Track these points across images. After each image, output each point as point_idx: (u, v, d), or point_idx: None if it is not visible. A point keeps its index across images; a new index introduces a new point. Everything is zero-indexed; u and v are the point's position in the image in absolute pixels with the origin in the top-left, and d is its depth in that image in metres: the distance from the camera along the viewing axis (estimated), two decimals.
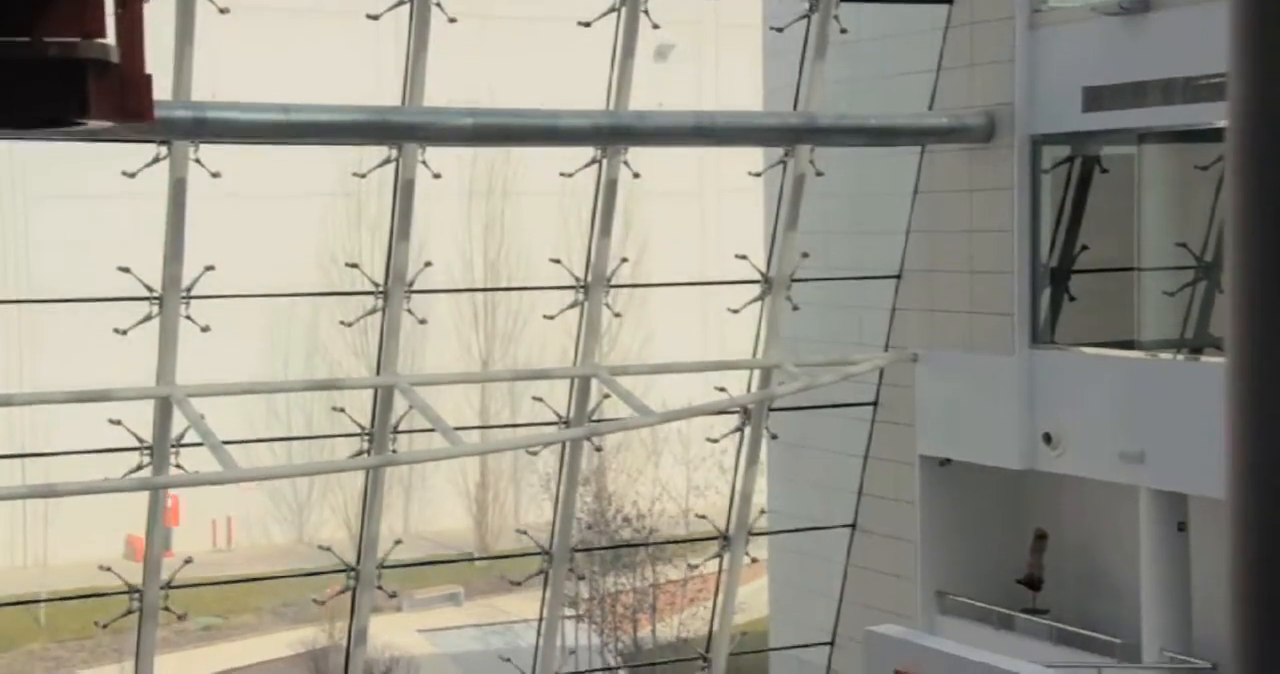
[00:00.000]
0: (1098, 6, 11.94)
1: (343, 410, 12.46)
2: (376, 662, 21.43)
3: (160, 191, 11.22)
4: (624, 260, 13.02)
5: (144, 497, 11.93)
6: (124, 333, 11.37)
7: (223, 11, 10.53)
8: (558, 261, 12.74)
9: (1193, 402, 11.12)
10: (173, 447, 11.54)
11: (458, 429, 11.69)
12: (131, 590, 11.90)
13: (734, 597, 13.93)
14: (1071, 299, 13.07)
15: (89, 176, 23.25)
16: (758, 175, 13.67)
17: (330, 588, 22.78)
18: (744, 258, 13.31)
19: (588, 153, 12.35)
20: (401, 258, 12.05)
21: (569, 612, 22.44)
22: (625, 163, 12.37)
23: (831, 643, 14.63)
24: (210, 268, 11.58)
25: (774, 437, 14.00)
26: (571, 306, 12.77)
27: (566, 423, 12.73)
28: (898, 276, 13.88)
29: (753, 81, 16.14)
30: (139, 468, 11.43)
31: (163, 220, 11.32)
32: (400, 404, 12.32)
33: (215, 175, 11.07)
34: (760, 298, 13.40)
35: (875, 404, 14.18)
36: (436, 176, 11.74)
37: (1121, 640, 12.00)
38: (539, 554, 13.24)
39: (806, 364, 13.35)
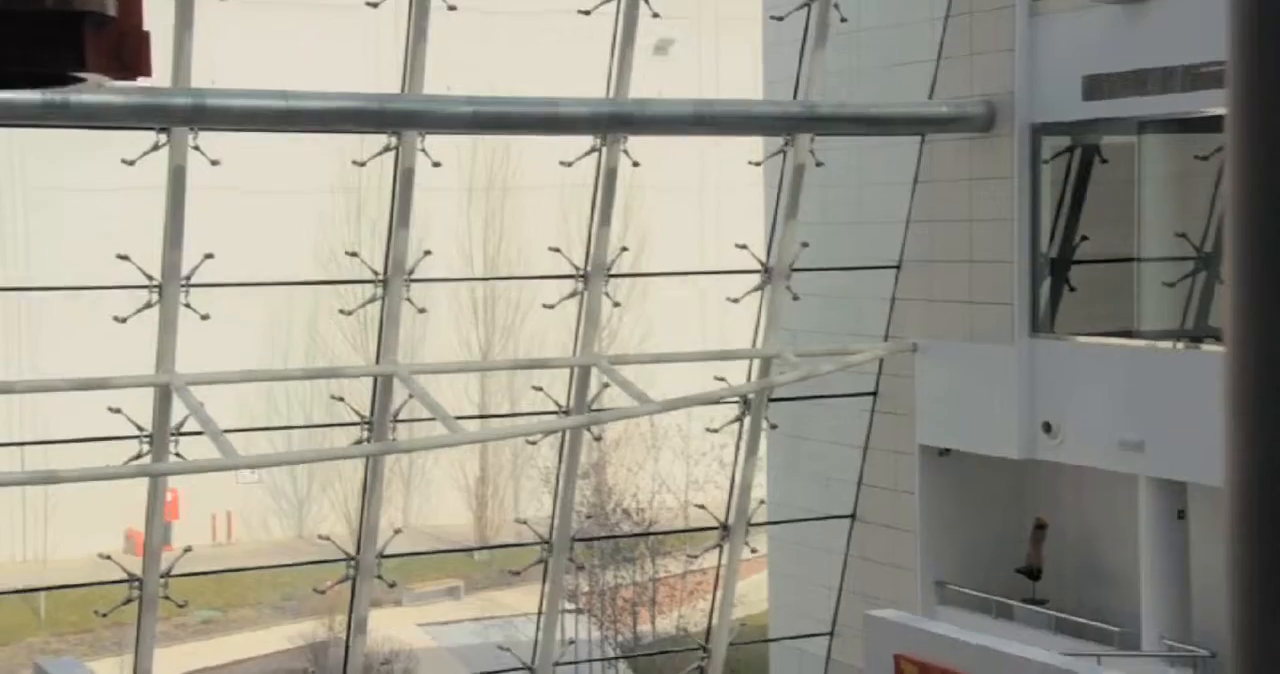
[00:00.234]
0: None
1: (342, 399, 12.46)
2: (376, 655, 21.41)
3: (159, 184, 11.22)
4: (624, 249, 13.00)
5: (143, 491, 11.94)
6: (123, 321, 11.38)
7: None
8: (557, 250, 12.73)
9: (1192, 390, 11.11)
10: (172, 435, 11.54)
11: (457, 419, 11.69)
12: (131, 579, 11.91)
13: (734, 587, 13.93)
14: (1071, 289, 13.06)
15: (88, 167, 23.28)
16: (758, 164, 13.66)
17: (331, 579, 22.78)
18: (744, 247, 13.31)
19: (588, 144, 12.36)
20: (401, 246, 12.05)
21: (569, 605, 22.41)
22: (625, 151, 12.37)
23: (831, 633, 14.63)
24: (209, 256, 11.58)
25: (774, 427, 13.99)
26: (571, 296, 12.77)
27: (566, 412, 12.73)
28: (897, 267, 13.88)
29: (753, 76, 16.13)
30: (139, 456, 11.43)
31: (161, 210, 11.32)
32: (400, 396, 12.31)
33: (214, 163, 11.07)
34: (760, 287, 13.40)
35: (875, 394, 14.18)
36: (436, 165, 11.74)
37: (1121, 629, 11.99)
38: (539, 544, 13.23)
39: (806, 354, 13.34)
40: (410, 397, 12.08)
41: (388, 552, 12.67)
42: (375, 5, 11.20)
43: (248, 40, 25.91)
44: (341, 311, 12.52)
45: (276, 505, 32.74)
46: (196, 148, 11.06)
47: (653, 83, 15.31)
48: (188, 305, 11.49)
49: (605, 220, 12.58)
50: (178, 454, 11.58)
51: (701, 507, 14.56)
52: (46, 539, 29.74)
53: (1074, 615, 12.58)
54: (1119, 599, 12.39)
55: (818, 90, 12.96)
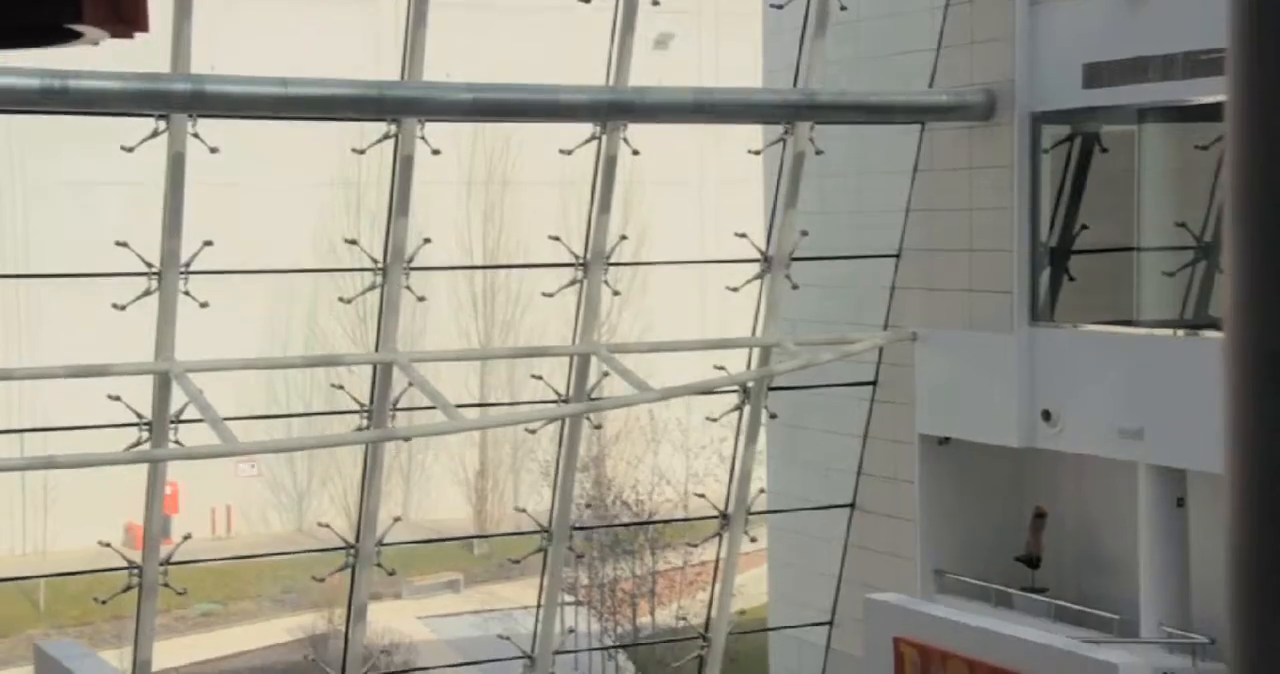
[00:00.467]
0: None
1: (341, 387, 12.45)
2: (375, 646, 21.42)
3: (159, 178, 11.22)
4: (623, 238, 13.00)
5: (143, 484, 11.94)
6: (122, 308, 11.36)
7: None
8: (556, 238, 12.73)
9: (1191, 378, 11.11)
10: (171, 422, 11.53)
11: (457, 407, 11.68)
12: (131, 566, 11.91)
13: (733, 576, 13.93)
14: (1071, 279, 13.06)
15: (88, 156, 23.27)
16: (757, 153, 13.65)
17: (330, 569, 22.75)
18: (743, 236, 13.31)
19: (588, 133, 12.35)
20: (400, 234, 12.05)
21: (568, 598, 22.43)
22: (624, 140, 12.36)
23: (831, 622, 14.63)
24: (209, 243, 11.58)
25: (773, 416, 13.99)
26: (571, 284, 12.77)
27: (566, 401, 12.73)
28: (897, 256, 13.87)
29: (753, 70, 16.12)
30: (138, 443, 11.43)
31: (160, 200, 11.32)
32: (399, 385, 12.30)
33: (214, 150, 11.06)
34: (760, 276, 13.40)
35: (874, 384, 14.18)
36: (436, 152, 11.73)
37: (1120, 616, 11.99)
38: (538, 532, 13.23)
39: (806, 342, 13.34)
40: (410, 385, 12.07)
41: (387, 540, 12.67)
42: None
43: (247, 27, 25.89)
44: (341, 299, 12.49)
45: (276, 499, 32.76)
46: (195, 135, 11.05)
47: (652, 77, 15.32)
48: (187, 293, 11.48)
49: (605, 208, 12.57)
50: (177, 442, 11.58)
51: (701, 496, 14.56)
52: (46, 533, 29.76)
53: (1073, 603, 12.58)
54: (1118, 587, 12.39)
55: (817, 79, 12.95)
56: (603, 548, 24.79)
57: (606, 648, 22.72)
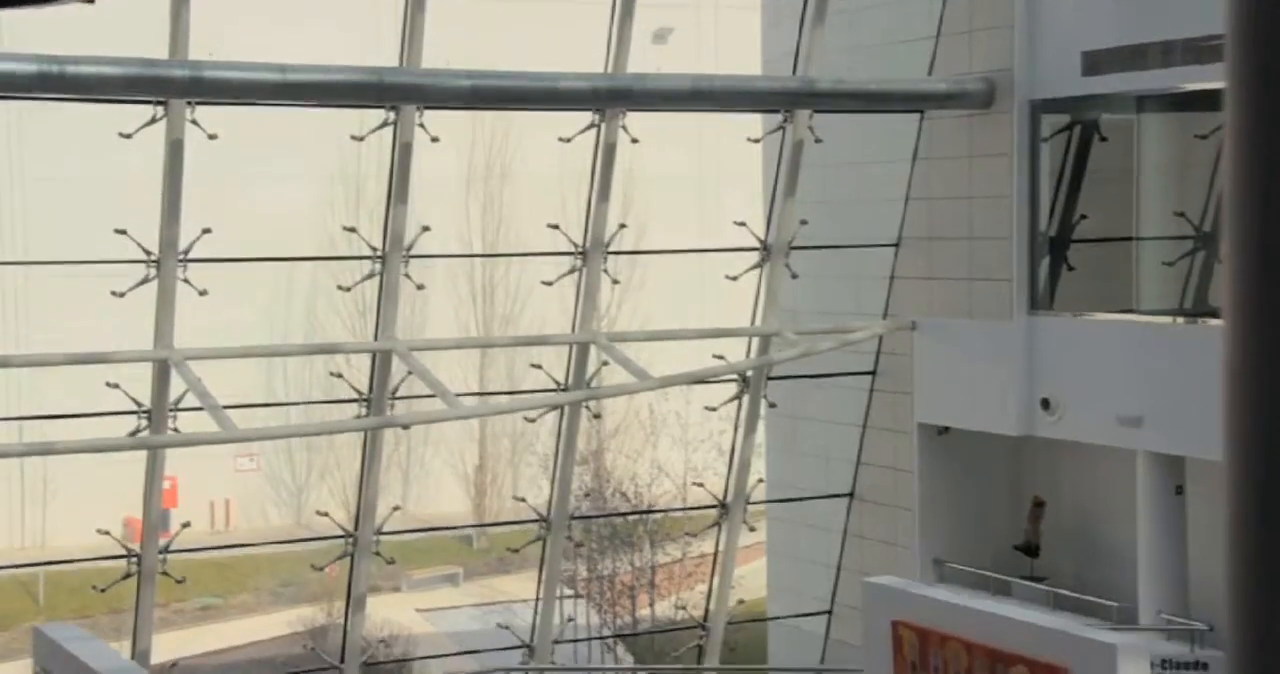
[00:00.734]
0: None
1: (340, 375, 12.45)
2: (374, 637, 21.43)
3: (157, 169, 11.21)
4: (622, 226, 12.99)
5: (140, 481, 11.94)
6: (121, 295, 11.37)
7: None
8: (555, 226, 12.73)
9: (1191, 365, 11.11)
10: (170, 410, 11.54)
11: (456, 395, 11.67)
12: (130, 554, 11.91)
13: (732, 565, 13.93)
14: (1070, 269, 13.05)
15: (86, 146, 23.24)
16: (756, 141, 13.65)
17: (331, 567, 22.78)
18: (742, 225, 13.31)
19: (587, 122, 12.36)
20: (399, 221, 12.05)
21: (568, 591, 22.44)
22: (623, 127, 12.36)
23: (830, 612, 14.63)
24: (207, 230, 11.58)
25: (772, 405, 13.99)
26: (570, 272, 12.77)
27: (565, 390, 12.73)
28: (896, 245, 13.87)
29: (752, 63, 16.11)
30: (137, 431, 11.43)
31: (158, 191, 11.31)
32: (398, 374, 12.30)
33: (212, 136, 11.07)
34: (759, 265, 13.40)
35: (874, 373, 14.17)
36: (435, 140, 11.73)
37: (1119, 604, 11.99)
38: (537, 521, 13.24)
39: (805, 332, 13.34)
40: (409, 373, 12.07)
41: (386, 529, 12.68)
42: None
43: (246, 14, 25.86)
44: (340, 287, 12.49)
45: (275, 494, 32.76)
46: (194, 121, 11.06)
47: (651, 70, 15.31)
48: (185, 280, 11.48)
49: (604, 196, 12.57)
50: (175, 429, 11.58)
51: (700, 485, 14.56)
52: (44, 527, 29.75)
53: (1072, 592, 12.58)
54: (1117, 575, 12.39)
55: (817, 67, 12.95)
56: (601, 540, 24.80)
57: (605, 637, 22.73)
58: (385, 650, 16.94)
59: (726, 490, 13.83)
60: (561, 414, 13.12)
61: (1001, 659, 7.65)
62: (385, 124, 11.71)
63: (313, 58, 11.08)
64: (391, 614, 24.26)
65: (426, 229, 12.32)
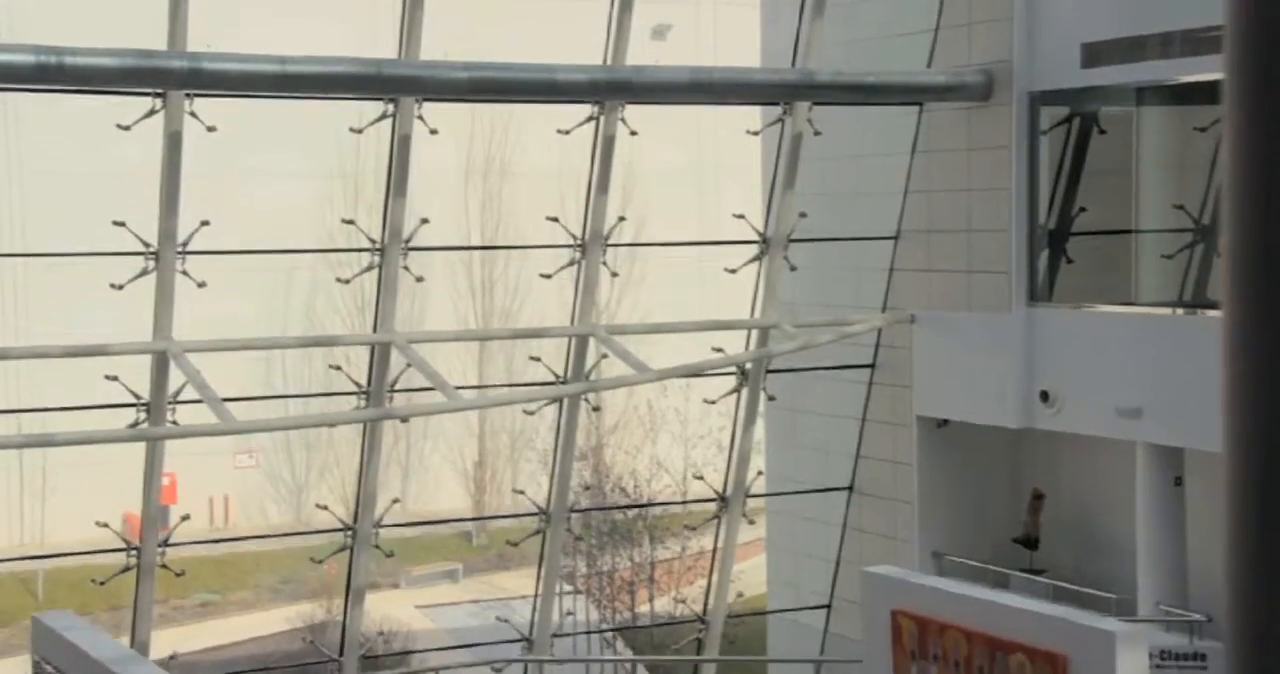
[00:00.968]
0: None
1: (339, 368, 12.45)
2: (373, 632, 21.44)
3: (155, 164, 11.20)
4: (621, 219, 12.98)
5: (139, 477, 11.94)
6: (120, 287, 11.37)
7: None
8: (554, 219, 12.72)
9: (1190, 356, 11.11)
10: (169, 403, 11.53)
11: (455, 388, 11.67)
12: (129, 547, 11.91)
13: (731, 558, 13.93)
14: (1069, 262, 13.05)
15: (85, 137, 23.21)
16: (755, 134, 13.65)
17: (330, 564, 22.77)
18: (741, 217, 13.30)
19: (586, 116, 12.36)
20: (398, 214, 12.04)
21: (567, 587, 22.44)
22: (622, 120, 12.36)
23: (829, 606, 14.63)
24: (205, 223, 11.58)
25: (771, 398, 13.99)
26: (569, 265, 12.76)
27: (565, 383, 12.72)
28: (895, 237, 13.87)
29: (751, 59, 16.10)
30: (136, 424, 11.42)
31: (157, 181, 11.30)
32: (397, 367, 12.30)
33: (211, 129, 11.07)
34: (758, 257, 13.40)
35: (873, 366, 14.17)
36: (434, 132, 11.73)
37: (1118, 596, 11.99)
38: (536, 514, 13.24)
39: (804, 324, 13.34)
40: (408, 366, 12.07)
41: (385, 523, 12.68)
42: None
43: (245, 5, 25.86)
44: (339, 279, 12.49)
45: (274, 491, 32.76)
46: (193, 114, 11.05)
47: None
48: (184, 273, 11.48)
49: (603, 188, 12.57)
50: (174, 423, 11.57)
51: (700, 477, 14.56)
52: (44, 524, 29.75)
53: (1071, 584, 12.58)
54: (1116, 567, 12.39)
55: (815, 60, 12.94)
56: (600, 536, 24.81)
57: (604, 631, 22.74)
58: (385, 644, 16.94)
59: (726, 484, 13.83)
60: (561, 407, 13.11)
61: (1000, 647, 7.65)
62: (384, 116, 11.71)
63: (312, 50, 11.05)
64: (391, 610, 24.27)
65: (425, 221, 12.32)
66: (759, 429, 14.29)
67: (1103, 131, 12.84)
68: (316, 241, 23.27)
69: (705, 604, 14.27)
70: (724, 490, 13.79)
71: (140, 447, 11.91)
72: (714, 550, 14.12)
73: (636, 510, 25.09)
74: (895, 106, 13.47)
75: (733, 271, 13.44)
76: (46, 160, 28.79)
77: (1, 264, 28.39)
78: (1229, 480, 1.47)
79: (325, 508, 12.75)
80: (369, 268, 12.14)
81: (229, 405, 10.78)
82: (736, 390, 13.55)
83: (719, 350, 13.10)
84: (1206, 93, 11.54)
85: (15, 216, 29.01)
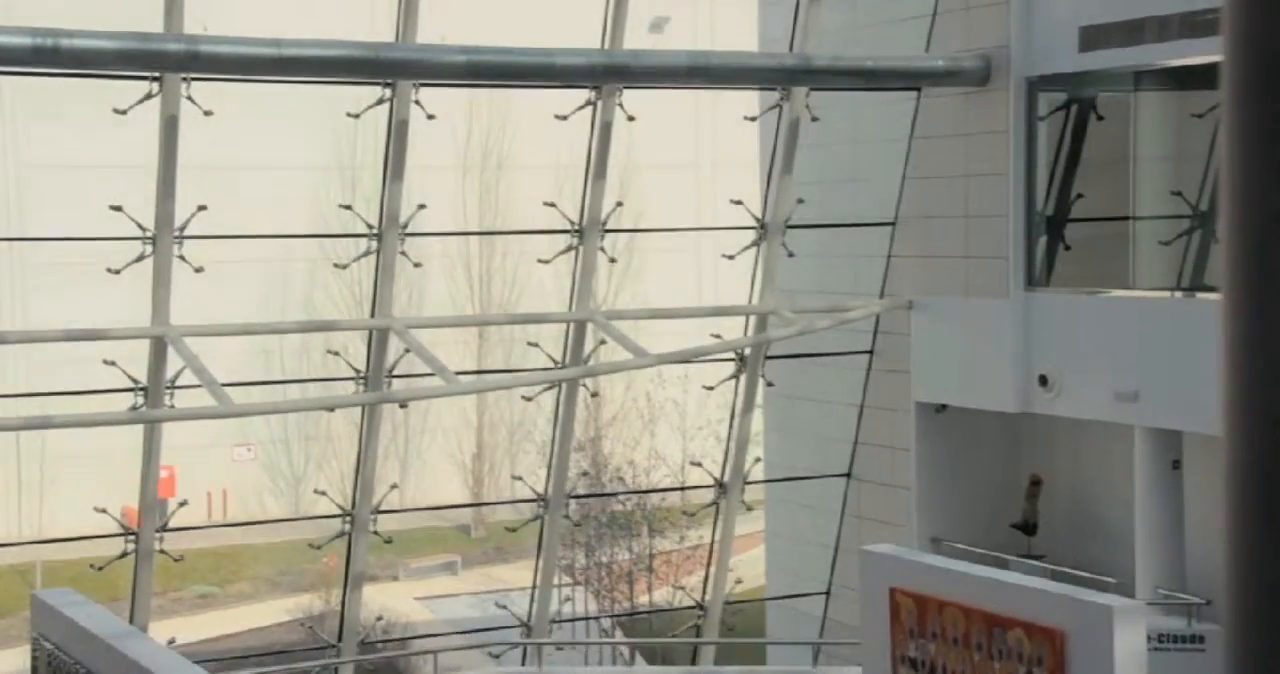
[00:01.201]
0: None
1: (337, 353, 12.45)
2: (372, 620, 21.45)
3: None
4: (619, 204, 12.98)
5: (137, 469, 11.93)
6: (117, 272, 11.36)
7: None
8: (552, 205, 12.72)
9: (1187, 339, 11.12)
10: (167, 387, 11.53)
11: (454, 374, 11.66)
12: (127, 533, 11.91)
13: (730, 544, 13.93)
14: (1067, 248, 13.05)
15: (83, 123, 23.19)
16: (753, 119, 13.64)
17: (330, 557, 22.76)
18: (739, 203, 13.30)
19: (584, 104, 12.35)
20: (395, 199, 12.03)
21: (566, 580, 22.45)
22: (620, 105, 12.35)
23: (828, 592, 14.63)
24: (203, 207, 11.58)
25: (770, 384, 13.99)
26: (566, 251, 12.76)
27: (563, 368, 12.72)
28: (893, 223, 13.86)
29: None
30: (134, 409, 11.42)
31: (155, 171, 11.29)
32: (395, 352, 12.29)
33: (208, 113, 11.06)
34: (755, 243, 13.40)
35: (871, 352, 14.17)
36: (431, 117, 11.73)
37: (1116, 580, 11.99)
38: (534, 501, 13.24)
39: (802, 310, 13.34)
40: (406, 351, 12.06)
41: (383, 509, 12.68)
42: None
43: None
44: (336, 265, 12.48)
45: (273, 484, 32.74)
46: (189, 98, 11.04)
47: None
48: (181, 257, 11.47)
49: (600, 174, 12.56)
50: (172, 407, 11.57)
51: (698, 464, 14.56)
52: (41, 518, 29.74)
53: (1070, 569, 12.58)
54: (1114, 552, 12.40)
55: (814, 45, 12.94)
56: (600, 527, 24.80)
57: (602, 616, 22.75)
58: (383, 632, 16.93)
59: (724, 470, 13.83)
60: (559, 394, 13.11)
61: (999, 623, 7.65)
62: (381, 101, 11.70)
63: (309, 34, 11.04)
64: (390, 602, 24.25)
65: (423, 207, 12.31)
66: (757, 417, 14.29)
67: (1100, 118, 12.84)
68: (313, 228, 23.25)
69: (704, 592, 14.27)
70: (722, 477, 13.79)
71: (138, 439, 11.91)
72: (712, 536, 14.13)
73: (635, 502, 25.08)
74: (893, 92, 13.47)
75: (731, 258, 13.43)
76: (44, 145, 28.73)
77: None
78: (1228, 463, 1.47)
79: (324, 493, 12.75)
80: (366, 253, 12.13)
81: (227, 391, 10.78)
82: (735, 377, 13.55)
83: (717, 337, 13.10)
84: (1204, 77, 11.53)
85: (12, 201, 28.96)
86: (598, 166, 12.54)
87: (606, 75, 11.83)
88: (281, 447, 32.54)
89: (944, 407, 13.44)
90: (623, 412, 28.94)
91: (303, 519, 18.63)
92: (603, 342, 12.95)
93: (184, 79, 10.90)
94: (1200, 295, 11.71)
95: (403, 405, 12.54)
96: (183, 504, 12.23)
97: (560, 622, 14.37)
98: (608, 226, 12.86)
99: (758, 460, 14.40)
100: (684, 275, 29.44)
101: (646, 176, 28.24)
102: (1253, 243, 1.45)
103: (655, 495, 25.24)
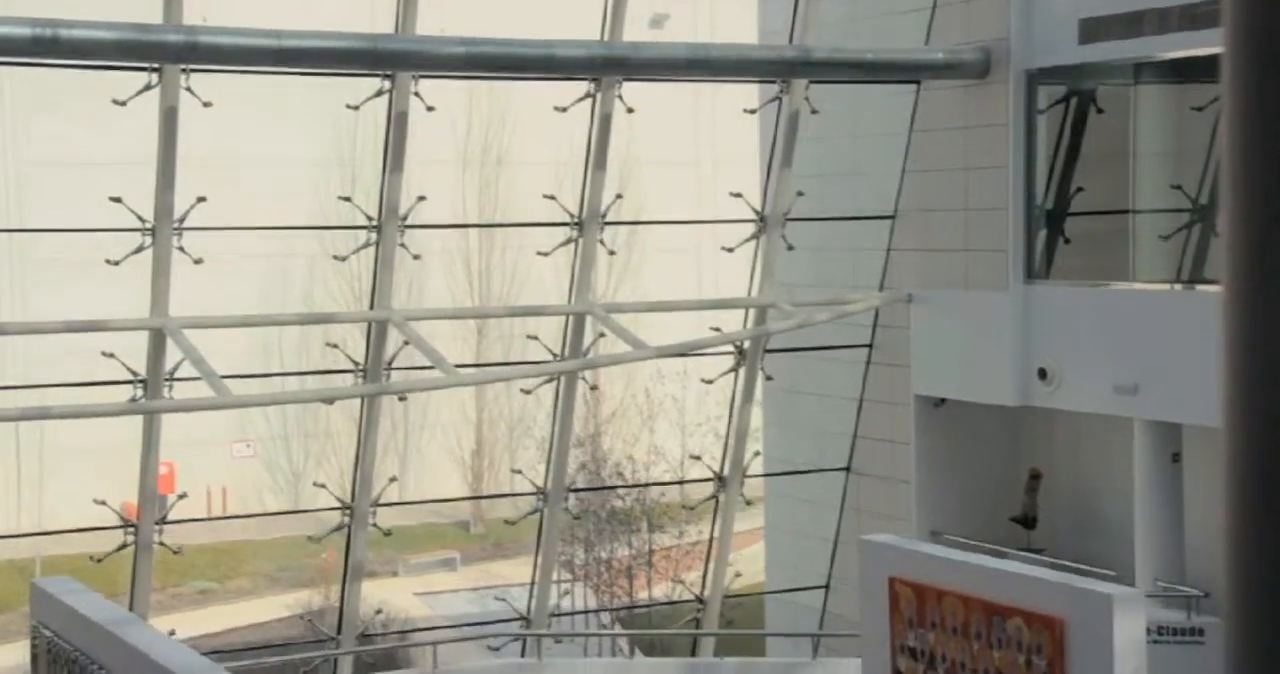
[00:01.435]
0: None
1: (336, 346, 12.45)
2: (371, 612, 21.46)
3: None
4: (618, 196, 12.97)
5: (136, 465, 11.92)
6: (116, 263, 11.36)
7: None
8: (552, 197, 12.71)
9: (1186, 332, 11.11)
10: (166, 379, 11.53)
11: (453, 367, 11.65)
12: (126, 524, 11.91)
13: (729, 538, 13.93)
14: (1066, 242, 13.04)
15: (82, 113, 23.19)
16: (753, 112, 13.64)
17: (329, 553, 22.76)
18: (738, 196, 13.30)
19: (584, 96, 12.34)
20: (395, 191, 12.03)
21: (565, 575, 22.44)
22: (619, 97, 12.35)
23: (827, 586, 14.63)
24: (202, 199, 11.57)
25: (769, 378, 13.98)
26: (566, 243, 12.76)
27: (562, 360, 12.71)
28: (892, 216, 13.86)
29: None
30: (133, 401, 11.42)
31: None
32: (394, 345, 12.29)
33: (207, 104, 11.06)
34: (755, 236, 13.39)
35: (870, 346, 14.17)
36: (430, 109, 11.73)
37: (1115, 573, 11.98)
38: (534, 494, 13.23)
39: (801, 303, 13.34)
40: (405, 343, 12.06)
41: (383, 502, 12.67)
42: None
43: None
44: (335, 257, 12.48)
45: (272, 480, 32.74)
46: (188, 89, 11.04)
47: None
48: (181, 249, 11.47)
49: (600, 166, 12.55)
50: (171, 398, 11.56)
51: (697, 458, 14.56)
52: (41, 513, 29.74)
53: (1070, 562, 12.57)
54: (1114, 544, 12.39)
55: (813, 38, 12.93)
56: (599, 523, 24.81)
57: (602, 610, 22.75)
58: (382, 624, 16.96)
59: (723, 463, 13.83)
60: (558, 386, 13.11)
61: (998, 612, 7.65)
62: (380, 93, 11.70)
63: (308, 25, 11.04)
64: (389, 597, 24.26)
65: (422, 198, 12.30)
66: (756, 411, 14.28)
67: (1100, 111, 12.83)
68: (315, 235, 23.22)
69: (703, 586, 14.28)
70: (721, 470, 13.79)
71: (137, 435, 11.91)
72: (711, 529, 14.13)
73: (634, 498, 25.09)
74: (892, 85, 13.46)
75: (730, 250, 13.42)
76: (44, 136, 28.71)
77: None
78: (1228, 455, 1.46)
79: (323, 486, 12.74)
80: (366, 245, 12.13)
81: (226, 383, 10.77)
82: (734, 370, 13.54)
83: (716, 330, 13.10)
84: (1204, 69, 11.53)
85: (11, 192, 28.93)
86: (597, 159, 12.54)
87: (606, 67, 11.82)
88: (281, 443, 32.52)
89: (943, 400, 13.44)
90: (622, 408, 28.95)
91: (302, 511, 18.60)
92: (602, 335, 12.95)
93: (183, 70, 10.90)
94: (1200, 288, 11.70)
95: (402, 398, 12.54)
96: (182, 496, 12.22)
97: (559, 615, 14.37)
98: (607, 219, 12.86)
99: (757, 454, 14.41)
100: (683, 274, 29.44)
101: (646, 172, 28.24)
102: (1254, 241, 1.44)
103: (655, 492, 25.24)
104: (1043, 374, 12.40)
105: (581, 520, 22.68)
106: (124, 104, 10.93)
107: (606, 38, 12.24)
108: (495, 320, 30.44)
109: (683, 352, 12.93)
